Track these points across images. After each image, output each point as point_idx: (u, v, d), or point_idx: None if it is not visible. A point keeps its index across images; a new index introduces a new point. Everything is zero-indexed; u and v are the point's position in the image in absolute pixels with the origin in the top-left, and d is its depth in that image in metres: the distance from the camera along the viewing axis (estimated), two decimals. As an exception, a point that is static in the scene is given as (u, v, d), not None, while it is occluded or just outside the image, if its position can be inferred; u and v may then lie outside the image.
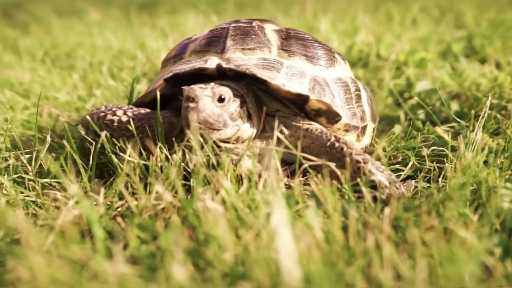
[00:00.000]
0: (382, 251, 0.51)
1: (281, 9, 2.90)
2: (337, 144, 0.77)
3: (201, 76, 0.87)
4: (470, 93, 1.34)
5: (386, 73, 1.61)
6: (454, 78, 1.49)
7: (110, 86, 1.51)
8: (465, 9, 2.50)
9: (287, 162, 0.85)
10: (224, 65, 0.84)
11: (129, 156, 0.77)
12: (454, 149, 0.89)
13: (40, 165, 0.86)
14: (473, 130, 0.97)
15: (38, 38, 2.32)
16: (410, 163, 0.86)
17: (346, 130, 0.87)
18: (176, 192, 0.74)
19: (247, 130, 0.83)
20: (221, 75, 0.86)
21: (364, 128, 0.91)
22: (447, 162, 0.88)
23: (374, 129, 0.98)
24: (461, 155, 0.74)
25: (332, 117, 0.85)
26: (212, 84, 0.80)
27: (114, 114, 0.87)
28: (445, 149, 0.87)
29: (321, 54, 0.91)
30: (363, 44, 1.88)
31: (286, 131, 0.86)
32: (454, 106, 1.25)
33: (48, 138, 0.84)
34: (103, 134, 0.80)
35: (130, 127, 0.84)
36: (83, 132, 0.88)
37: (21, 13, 3.44)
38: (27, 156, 0.87)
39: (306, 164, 0.73)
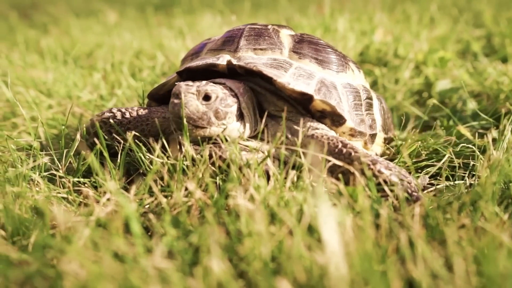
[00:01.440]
0: (414, 249, 0.52)
1: (298, 9, 2.90)
2: (344, 150, 0.78)
3: (213, 72, 0.91)
4: (492, 92, 1.33)
5: (405, 72, 1.61)
6: (475, 77, 1.48)
7: (130, 85, 1.53)
8: (483, 8, 2.48)
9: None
10: (234, 62, 0.87)
11: (157, 156, 0.78)
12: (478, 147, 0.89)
13: (69, 162, 0.87)
14: (497, 128, 0.97)
15: (58, 38, 2.35)
16: (444, 158, 0.86)
17: (352, 135, 0.88)
18: (204, 190, 0.75)
19: (235, 130, 0.84)
20: (232, 73, 0.89)
21: (372, 136, 0.91)
22: (472, 161, 0.88)
23: (385, 139, 0.98)
24: (489, 153, 0.74)
25: (336, 119, 0.85)
26: (202, 82, 0.82)
27: (110, 111, 0.92)
28: (472, 147, 0.87)
29: (332, 59, 0.92)
30: (381, 43, 1.88)
31: (290, 137, 0.87)
32: (476, 105, 1.25)
33: (78, 137, 0.86)
34: (131, 134, 0.83)
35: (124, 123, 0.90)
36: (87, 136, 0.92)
37: (38, 14, 3.49)
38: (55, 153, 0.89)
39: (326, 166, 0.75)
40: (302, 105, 0.86)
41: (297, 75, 0.85)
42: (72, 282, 0.43)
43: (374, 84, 1.64)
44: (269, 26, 0.95)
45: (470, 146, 0.90)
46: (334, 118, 0.85)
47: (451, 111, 1.25)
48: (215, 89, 0.80)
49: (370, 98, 0.94)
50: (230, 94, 0.82)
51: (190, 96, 0.78)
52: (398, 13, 2.47)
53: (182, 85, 0.78)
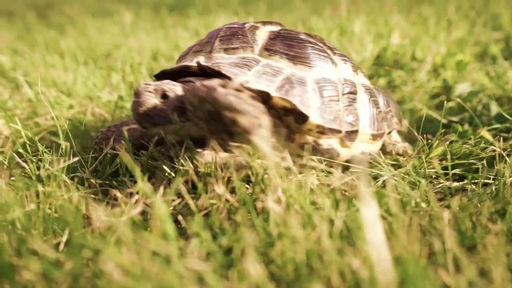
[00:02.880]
0: (447, 255, 0.52)
1: (312, 10, 2.90)
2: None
3: (191, 74, 0.90)
4: (513, 96, 1.33)
5: (423, 75, 1.60)
6: (495, 80, 1.47)
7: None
8: (501, 11, 2.46)
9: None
10: (203, 63, 0.87)
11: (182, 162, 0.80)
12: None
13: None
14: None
15: (75, 39, 2.37)
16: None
17: (321, 132, 0.84)
18: (230, 192, 0.76)
19: (194, 128, 0.83)
20: (205, 73, 0.89)
21: (351, 133, 0.87)
22: (496, 165, 0.87)
23: (376, 136, 0.92)
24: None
25: (299, 116, 0.82)
26: (164, 81, 0.83)
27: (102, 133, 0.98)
28: (495, 150, 0.87)
29: (308, 53, 0.88)
30: (398, 46, 1.87)
31: None
32: (497, 108, 1.24)
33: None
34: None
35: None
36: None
37: (54, 14, 3.53)
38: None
39: None
40: (264, 102, 0.81)
41: (261, 73, 0.83)
42: (110, 282, 0.44)
43: (390, 87, 1.64)
44: (247, 25, 0.94)
45: (495, 148, 0.89)
46: (296, 115, 0.82)
47: (471, 115, 1.25)
48: (173, 87, 0.81)
49: (354, 93, 0.89)
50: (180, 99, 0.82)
51: (147, 94, 0.80)
52: (414, 16, 2.46)
53: (141, 84, 0.81)
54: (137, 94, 0.80)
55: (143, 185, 0.60)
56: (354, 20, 2.18)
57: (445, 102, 1.01)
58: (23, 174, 0.82)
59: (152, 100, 0.80)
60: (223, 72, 0.82)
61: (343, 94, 0.87)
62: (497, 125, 1.13)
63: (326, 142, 0.85)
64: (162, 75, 0.93)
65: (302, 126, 0.83)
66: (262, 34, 0.92)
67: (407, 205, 0.65)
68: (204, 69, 0.88)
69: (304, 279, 0.49)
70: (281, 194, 0.66)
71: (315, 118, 0.81)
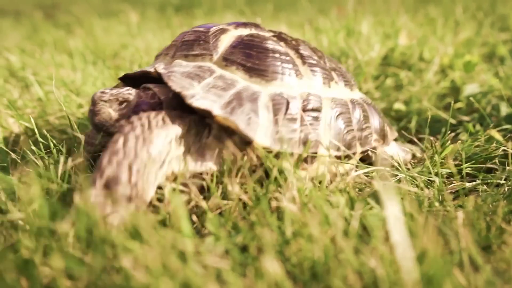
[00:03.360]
0: (463, 255, 0.52)
1: (318, 10, 2.91)
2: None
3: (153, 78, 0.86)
4: (522, 97, 1.32)
5: (431, 75, 1.60)
6: (504, 81, 1.47)
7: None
8: (508, 12, 2.46)
9: None
10: (159, 70, 0.82)
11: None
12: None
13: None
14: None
15: (82, 38, 2.38)
16: None
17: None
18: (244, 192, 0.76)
19: None
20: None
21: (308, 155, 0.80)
22: (508, 166, 0.87)
23: (339, 157, 0.84)
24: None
25: (244, 137, 0.75)
26: (122, 89, 0.80)
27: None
28: (509, 150, 0.87)
29: (267, 64, 0.81)
30: (405, 46, 1.87)
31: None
32: (507, 109, 1.24)
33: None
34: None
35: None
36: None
37: (60, 14, 3.54)
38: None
39: None
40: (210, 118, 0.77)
41: (210, 86, 0.77)
42: (135, 279, 0.44)
43: (399, 88, 1.64)
44: (213, 28, 0.88)
45: (507, 149, 0.89)
46: (241, 136, 0.75)
47: (480, 116, 1.25)
48: (129, 96, 0.79)
49: (317, 109, 0.81)
50: (146, 102, 0.80)
51: (102, 104, 0.78)
52: (420, 16, 2.46)
53: (97, 92, 0.79)
54: (92, 102, 0.78)
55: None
56: (361, 21, 2.18)
57: (453, 102, 1.01)
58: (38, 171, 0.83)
59: (106, 109, 0.78)
60: (170, 84, 0.76)
61: (304, 111, 0.80)
62: (507, 126, 1.13)
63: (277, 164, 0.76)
64: (125, 79, 0.90)
65: (248, 147, 0.77)
66: (227, 40, 0.86)
67: (421, 205, 0.66)
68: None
69: (321, 278, 0.50)
70: (296, 193, 0.67)
71: (261, 139, 0.74)
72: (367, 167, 0.83)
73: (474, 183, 0.84)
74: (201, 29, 0.88)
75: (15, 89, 1.37)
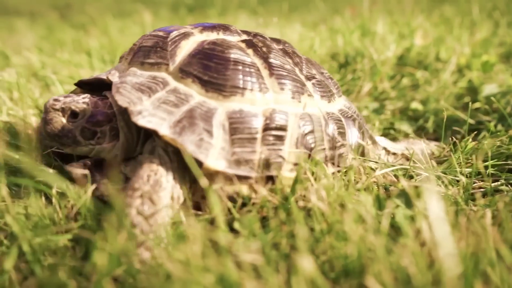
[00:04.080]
0: (492, 254, 0.52)
1: (332, 10, 2.91)
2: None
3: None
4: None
5: (448, 75, 1.60)
6: (522, 81, 1.46)
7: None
8: (523, 11, 2.44)
9: None
10: (111, 78, 0.77)
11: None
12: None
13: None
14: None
15: (97, 38, 2.40)
16: None
17: (225, 178, 0.71)
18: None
19: (105, 151, 0.77)
20: None
21: (268, 178, 0.73)
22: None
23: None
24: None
25: (195, 159, 0.66)
26: (77, 97, 0.76)
27: None
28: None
29: (225, 78, 0.73)
30: (421, 46, 1.87)
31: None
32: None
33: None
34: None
35: None
36: None
37: (75, 14, 3.58)
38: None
39: None
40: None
41: (161, 101, 0.70)
42: (175, 274, 0.45)
43: (415, 88, 1.64)
44: (174, 33, 0.80)
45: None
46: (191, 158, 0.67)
47: (500, 116, 1.24)
48: (82, 106, 0.74)
49: (282, 128, 0.73)
50: (103, 112, 0.76)
51: (54, 112, 0.74)
52: (435, 16, 2.45)
53: (50, 100, 0.74)
54: (44, 110, 0.74)
55: (204, 181, 0.61)
56: (376, 21, 2.18)
57: (471, 103, 1.00)
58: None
59: (59, 118, 0.73)
60: (116, 98, 0.70)
61: (267, 130, 0.72)
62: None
63: (232, 188, 0.72)
64: (81, 84, 0.84)
65: (201, 169, 0.68)
66: (187, 47, 0.78)
67: (448, 203, 0.66)
68: None
69: (354, 275, 0.50)
70: (324, 192, 0.67)
71: (214, 162, 0.68)
72: (393, 166, 0.83)
73: (498, 182, 0.84)
74: (160, 33, 0.80)
75: (36, 88, 1.39)
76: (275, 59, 0.79)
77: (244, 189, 0.72)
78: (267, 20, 2.40)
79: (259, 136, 0.71)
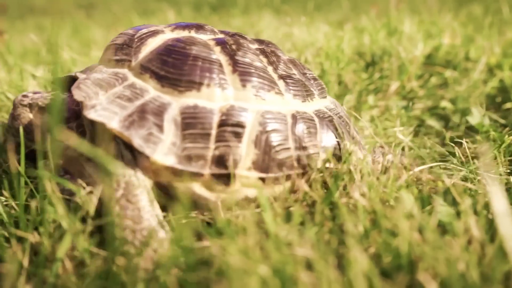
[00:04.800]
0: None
1: (354, 8, 2.90)
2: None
3: None
4: None
5: (478, 75, 1.58)
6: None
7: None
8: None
9: None
10: (78, 75, 0.77)
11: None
12: None
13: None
14: None
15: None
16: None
17: (175, 174, 0.69)
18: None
19: (72, 148, 0.77)
20: None
21: (221, 176, 0.70)
22: None
23: (266, 179, 0.72)
24: None
25: (143, 154, 0.67)
26: (49, 92, 0.78)
27: None
28: None
29: (182, 73, 0.72)
30: (450, 45, 1.85)
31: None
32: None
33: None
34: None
35: None
36: None
37: (100, 13, 3.63)
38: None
39: None
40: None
41: (116, 96, 0.70)
42: (234, 265, 0.46)
43: (444, 87, 1.63)
44: (143, 31, 0.79)
45: None
46: (140, 152, 0.67)
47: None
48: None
49: (241, 125, 0.70)
50: (70, 109, 0.77)
51: (22, 108, 0.76)
52: (462, 15, 2.43)
53: (19, 96, 0.76)
54: (13, 106, 0.76)
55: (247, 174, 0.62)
56: (403, 20, 2.17)
57: (502, 102, 0.99)
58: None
59: (27, 114, 0.76)
60: (73, 93, 0.70)
61: (223, 126, 0.69)
62: None
63: (183, 185, 0.70)
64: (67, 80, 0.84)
65: (151, 165, 0.68)
66: (153, 44, 0.77)
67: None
68: None
69: (405, 270, 0.51)
70: (366, 188, 0.68)
71: (162, 157, 0.66)
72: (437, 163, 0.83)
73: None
74: (131, 31, 0.80)
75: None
76: (243, 57, 0.76)
77: (196, 186, 0.70)
78: (296, 20, 2.41)
79: (213, 132, 0.69)
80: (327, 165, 0.75)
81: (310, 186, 0.74)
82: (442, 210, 0.66)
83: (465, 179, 0.83)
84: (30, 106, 0.76)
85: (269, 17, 2.66)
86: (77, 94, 0.69)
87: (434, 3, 2.70)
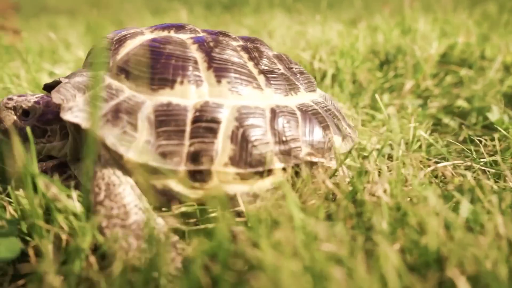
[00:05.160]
0: None
1: (366, 7, 2.89)
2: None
3: None
4: None
5: (494, 74, 1.57)
6: None
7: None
8: None
9: None
10: (62, 79, 0.78)
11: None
12: None
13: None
14: None
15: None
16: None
17: (150, 171, 0.69)
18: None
19: (56, 149, 0.81)
20: None
21: (198, 172, 0.69)
22: None
23: (245, 174, 0.71)
24: None
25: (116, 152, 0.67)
26: (33, 95, 0.81)
27: None
28: None
29: (155, 71, 0.72)
30: (465, 44, 1.84)
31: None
32: None
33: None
34: None
35: None
36: None
37: (113, 12, 3.65)
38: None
39: None
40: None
41: (92, 97, 0.71)
42: (267, 260, 0.47)
43: (459, 86, 1.62)
44: (122, 33, 0.80)
45: None
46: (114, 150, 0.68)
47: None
48: (34, 105, 0.80)
49: (215, 120, 0.70)
50: (53, 111, 0.80)
51: (7, 111, 0.79)
52: (477, 14, 2.41)
53: (4, 99, 0.80)
54: None
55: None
56: (417, 18, 2.16)
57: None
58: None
59: (12, 117, 0.79)
60: (52, 96, 0.72)
61: (197, 122, 0.69)
62: None
63: (160, 182, 0.70)
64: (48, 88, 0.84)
65: (125, 163, 0.69)
66: (131, 46, 0.77)
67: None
68: None
69: (434, 266, 0.51)
70: (388, 186, 0.68)
71: (135, 155, 0.66)
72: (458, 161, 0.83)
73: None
74: (111, 35, 0.81)
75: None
76: (219, 53, 0.76)
77: (172, 183, 0.70)
78: (306, 17, 2.41)
79: (188, 128, 0.69)
80: (310, 158, 0.74)
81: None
82: (467, 207, 0.67)
83: (487, 176, 0.83)
84: (15, 108, 0.79)
85: (281, 15, 2.66)
86: (56, 97, 0.71)
87: (448, 1, 2.68)
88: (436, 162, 0.83)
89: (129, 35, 0.78)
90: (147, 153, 0.66)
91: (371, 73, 1.68)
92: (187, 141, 0.68)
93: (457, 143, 0.99)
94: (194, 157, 0.68)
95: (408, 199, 0.68)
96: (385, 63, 1.79)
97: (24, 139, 0.77)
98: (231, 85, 0.73)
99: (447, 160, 0.82)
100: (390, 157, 1.03)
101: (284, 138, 0.73)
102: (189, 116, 0.69)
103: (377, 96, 1.12)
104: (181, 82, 0.71)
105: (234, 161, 0.69)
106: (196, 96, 0.72)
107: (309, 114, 0.78)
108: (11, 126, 0.79)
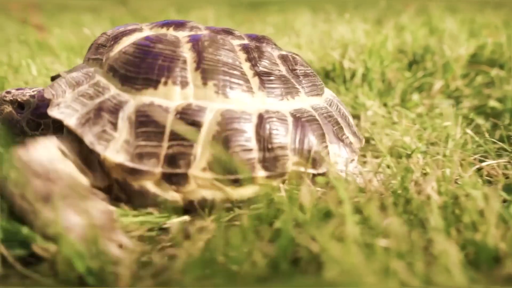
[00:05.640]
0: None
1: (388, 7, 2.88)
2: None
3: None
4: None
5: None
6: None
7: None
8: None
9: None
10: (61, 74, 0.78)
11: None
12: None
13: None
14: None
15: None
16: None
17: (126, 172, 0.68)
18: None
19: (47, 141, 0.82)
20: None
21: (174, 175, 0.68)
22: None
23: (224, 181, 0.69)
24: None
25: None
26: (31, 89, 0.84)
27: None
28: None
29: (139, 71, 0.70)
30: (495, 44, 1.83)
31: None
32: None
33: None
34: None
35: None
36: None
37: (139, 9, 3.69)
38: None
39: None
40: None
41: (80, 94, 0.71)
42: (333, 254, 0.48)
43: (490, 86, 1.61)
44: (120, 30, 0.79)
45: None
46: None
47: None
48: (28, 99, 0.82)
49: (196, 123, 0.68)
50: (47, 105, 0.76)
51: (4, 104, 0.82)
52: (503, 14, 2.39)
53: (2, 92, 0.83)
54: None
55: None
56: (443, 18, 2.15)
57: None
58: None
59: (9, 109, 0.82)
60: (44, 91, 0.74)
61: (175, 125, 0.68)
62: None
63: (137, 183, 0.69)
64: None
65: (104, 163, 0.68)
66: (126, 43, 0.76)
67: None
68: None
69: (491, 265, 0.52)
70: (435, 183, 0.69)
71: (113, 155, 0.66)
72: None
73: None
74: (110, 31, 0.80)
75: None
76: (211, 54, 0.73)
77: (149, 184, 0.69)
78: (331, 16, 2.41)
79: (167, 131, 0.67)
80: (298, 168, 0.71)
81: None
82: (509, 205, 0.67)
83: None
84: (11, 102, 0.82)
85: (307, 14, 2.67)
86: (47, 92, 0.72)
87: (474, 1, 2.66)
88: (480, 161, 0.83)
89: (126, 32, 0.78)
90: (125, 153, 0.66)
91: (400, 73, 1.67)
92: (165, 143, 0.67)
93: (498, 141, 0.98)
94: (171, 160, 0.67)
95: (456, 197, 0.69)
96: (414, 63, 1.78)
97: (21, 132, 0.82)
98: (217, 88, 0.71)
99: (493, 159, 0.82)
100: (427, 156, 1.03)
101: (269, 146, 0.70)
102: (170, 118, 0.68)
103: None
104: (165, 83, 0.70)
105: (213, 166, 0.67)
106: (180, 98, 0.70)
107: (303, 120, 0.74)
108: (5, 118, 0.83)
